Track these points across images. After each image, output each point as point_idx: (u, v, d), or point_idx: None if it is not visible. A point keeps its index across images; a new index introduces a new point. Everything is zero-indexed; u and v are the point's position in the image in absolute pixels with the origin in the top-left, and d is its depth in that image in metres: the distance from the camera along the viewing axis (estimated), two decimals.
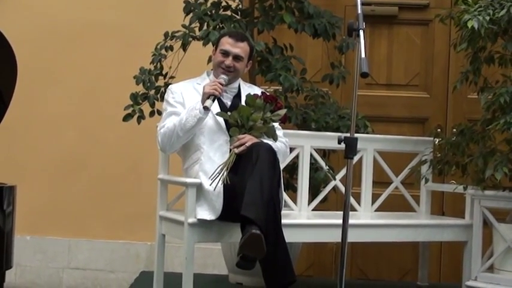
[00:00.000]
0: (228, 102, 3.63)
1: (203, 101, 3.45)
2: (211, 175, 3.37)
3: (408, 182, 4.35)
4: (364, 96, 4.72)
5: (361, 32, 2.81)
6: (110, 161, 4.91)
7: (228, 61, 3.59)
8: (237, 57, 3.60)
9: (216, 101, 3.51)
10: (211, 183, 3.35)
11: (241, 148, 3.37)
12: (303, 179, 3.99)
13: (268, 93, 3.57)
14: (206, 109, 3.43)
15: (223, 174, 3.34)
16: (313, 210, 4.05)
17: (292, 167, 4.10)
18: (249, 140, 3.39)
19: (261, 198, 3.16)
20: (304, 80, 4.23)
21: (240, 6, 4.38)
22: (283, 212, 3.47)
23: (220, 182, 3.33)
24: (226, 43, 3.61)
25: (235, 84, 3.67)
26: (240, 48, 3.60)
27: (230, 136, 3.48)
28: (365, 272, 4.89)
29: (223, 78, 3.54)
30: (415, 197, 4.31)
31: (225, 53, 3.60)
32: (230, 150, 3.44)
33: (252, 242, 3.06)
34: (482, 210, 3.88)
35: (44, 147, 4.96)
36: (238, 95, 3.66)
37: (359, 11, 2.85)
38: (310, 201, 4.05)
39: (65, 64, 4.97)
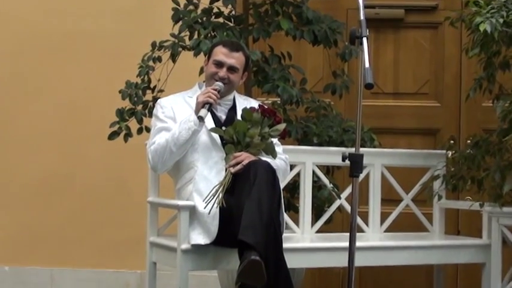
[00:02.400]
0: (223, 116, 3.64)
1: (197, 111, 3.46)
2: (206, 197, 3.37)
3: (420, 199, 4.36)
4: (370, 106, 4.74)
5: (365, 40, 2.82)
6: (95, 182, 4.92)
7: (222, 72, 3.60)
8: (231, 68, 3.61)
9: (209, 115, 3.52)
10: (206, 206, 3.35)
11: (238, 167, 3.38)
12: (305, 198, 4.00)
13: (265, 106, 3.58)
14: (201, 119, 3.44)
15: (218, 196, 3.34)
16: (316, 232, 4.06)
17: (293, 186, 4.12)
18: (245, 158, 3.39)
19: (260, 221, 3.17)
20: (304, 90, 4.25)
21: (233, 12, 4.40)
22: (285, 235, 3.47)
23: (216, 204, 3.33)
24: (220, 53, 3.62)
25: (230, 97, 3.68)
26: (235, 59, 3.62)
27: (226, 154, 3.48)
28: None
29: (218, 85, 3.55)
30: (428, 215, 4.33)
31: (219, 64, 3.61)
32: (226, 169, 3.44)
33: (251, 270, 3.06)
34: (500, 229, 3.90)
35: (23, 168, 4.97)
36: (233, 108, 3.67)
37: (362, 17, 2.86)
38: (313, 222, 4.07)
39: (45, 77, 5.00)
